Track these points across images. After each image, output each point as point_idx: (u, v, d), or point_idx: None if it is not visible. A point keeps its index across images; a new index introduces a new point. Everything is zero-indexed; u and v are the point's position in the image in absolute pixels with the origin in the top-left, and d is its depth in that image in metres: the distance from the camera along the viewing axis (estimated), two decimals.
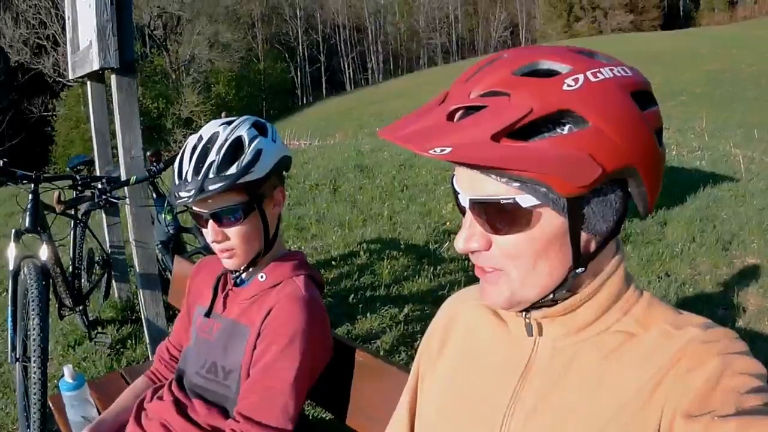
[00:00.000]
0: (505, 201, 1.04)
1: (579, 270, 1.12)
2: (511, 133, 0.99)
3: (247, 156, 1.93)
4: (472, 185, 1.09)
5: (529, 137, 1.00)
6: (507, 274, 1.12)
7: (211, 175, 1.89)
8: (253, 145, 1.96)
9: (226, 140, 1.95)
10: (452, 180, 1.17)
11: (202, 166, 1.91)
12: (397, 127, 1.07)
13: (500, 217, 1.07)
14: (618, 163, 1.02)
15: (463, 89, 1.08)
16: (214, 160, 1.91)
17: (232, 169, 1.90)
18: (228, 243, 2.00)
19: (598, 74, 1.03)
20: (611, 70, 1.05)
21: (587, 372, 1.13)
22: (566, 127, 1.01)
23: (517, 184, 1.03)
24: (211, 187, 1.88)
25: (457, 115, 1.05)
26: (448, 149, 0.95)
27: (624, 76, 1.06)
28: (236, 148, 1.95)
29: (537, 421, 1.15)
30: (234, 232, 1.98)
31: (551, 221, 1.07)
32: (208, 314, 2.16)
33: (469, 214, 1.12)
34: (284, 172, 2.14)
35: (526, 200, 1.04)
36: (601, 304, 1.16)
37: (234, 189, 1.92)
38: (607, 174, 1.01)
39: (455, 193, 1.15)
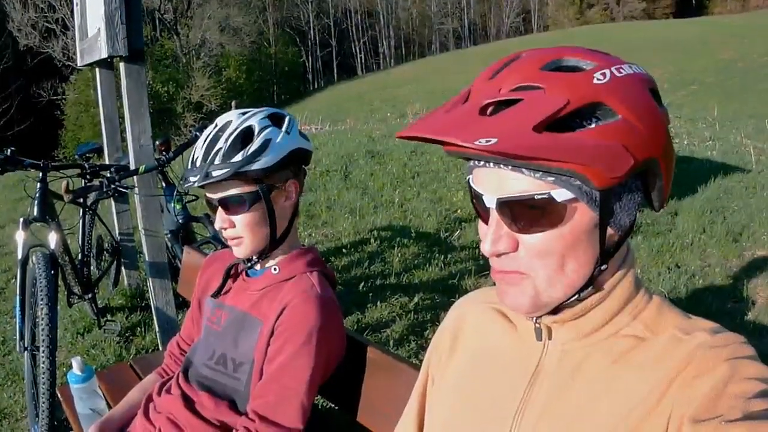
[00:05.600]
0: (539, 197, 1.04)
1: (603, 267, 1.13)
2: (549, 126, 0.99)
3: (254, 145, 1.94)
4: (499, 185, 1.07)
5: (564, 130, 1.00)
6: (531, 275, 1.11)
7: (216, 162, 1.93)
8: (262, 134, 1.97)
9: (235, 129, 1.98)
10: (469, 182, 1.16)
11: (210, 153, 1.94)
12: (426, 123, 1.05)
13: (531, 215, 1.06)
14: (645, 154, 1.05)
15: (489, 86, 1.08)
16: (221, 148, 1.94)
17: (237, 157, 1.92)
18: (234, 231, 2.01)
19: (621, 70, 1.06)
20: (630, 66, 1.08)
21: (596, 376, 1.13)
22: (598, 120, 1.02)
23: (551, 179, 1.03)
24: (215, 174, 1.92)
25: (489, 110, 1.04)
26: (494, 140, 0.94)
27: (641, 73, 1.09)
28: (245, 137, 1.97)
29: (546, 425, 1.15)
30: (240, 220, 1.99)
31: (582, 217, 1.07)
32: (216, 295, 2.18)
33: (494, 215, 1.10)
34: (303, 166, 2.14)
35: (561, 194, 1.04)
36: (611, 308, 1.16)
37: (241, 177, 1.94)
38: (638, 164, 1.04)
39: (476, 196, 1.13)
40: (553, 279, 1.10)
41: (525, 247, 1.09)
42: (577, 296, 1.14)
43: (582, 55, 1.09)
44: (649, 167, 1.08)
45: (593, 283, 1.14)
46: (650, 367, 1.09)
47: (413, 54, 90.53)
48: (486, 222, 1.13)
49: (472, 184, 1.14)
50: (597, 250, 1.11)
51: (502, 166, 1.05)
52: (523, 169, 1.04)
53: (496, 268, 1.15)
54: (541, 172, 1.03)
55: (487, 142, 0.94)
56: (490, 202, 1.09)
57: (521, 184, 1.05)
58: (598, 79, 1.03)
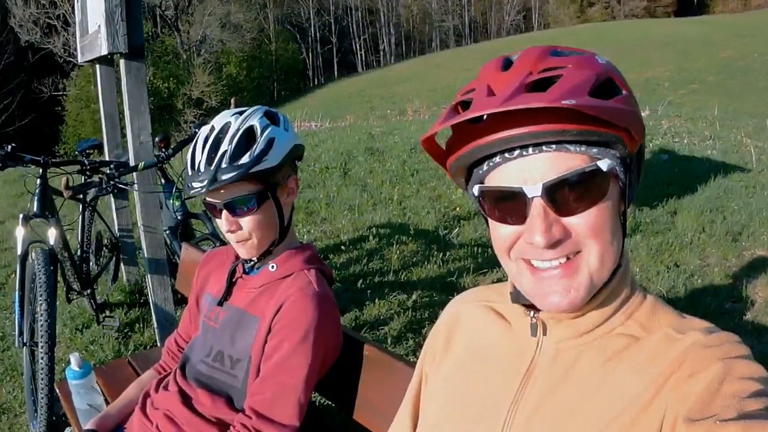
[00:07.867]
0: (589, 169, 1.05)
1: (624, 240, 1.16)
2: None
3: (259, 145, 1.94)
4: (541, 170, 1.06)
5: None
6: (584, 256, 1.11)
7: (223, 165, 1.90)
8: (265, 134, 1.97)
9: (238, 130, 1.96)
10: (483, 190, 1.15)
11: (215, 156, 1.92)
12: (488, 102, 1.04)
13: (579, 192, 1.07)
14: (643, 125, 1.10)
15: (512, 74, 1.08)
16: (226, 150, 1.92)
17: (245, 159, 1.91)
18: (241, 233, 2.00)
19: (603, 57, 1.11)
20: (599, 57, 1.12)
21: (589, 374, 1.14)
22: (615, 92, 1.06)
23: (595, 150, 1.06)
24: (223, 177, 1.89)
25: (531, 87, 1.03)
26: (574, 101, 0.96)
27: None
28: (248, 137, 1.96)
29: (539, 422, 1.15)
30: (247, 221, 1.98)
31: (617, 186, 1.11)
32: (221, 303, 2.17)
33: (537, 204, 1.08)
34: (296, 161, 2.14)
35: (605, 164, 1.06)
36: (609, 308, 1.18)
37: (247, 178, 1.92)
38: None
39: (504, 194, 1.11)
40: (605, 255, 1.11)
41: (576, 230, 1.09)
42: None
43: (569, 48, 1.13)
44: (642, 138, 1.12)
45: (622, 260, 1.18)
46: (644, 366, 1.09)
47: (414, 51, 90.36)
48: (517, 222, 1.12)
49: (497, 185, 1.12)
50: (622, 223, 1.15)
51: (544, 148, 1.05)
52: (569, 146, 1.05)
53: (543, 265, 1.12)
54: (585, 146, 1.05)
55: (570, 102, 0.95)
56: (533, 191, 1.07)
57: (566, 162, 1.05)
58: (600, 61, 1.08)
